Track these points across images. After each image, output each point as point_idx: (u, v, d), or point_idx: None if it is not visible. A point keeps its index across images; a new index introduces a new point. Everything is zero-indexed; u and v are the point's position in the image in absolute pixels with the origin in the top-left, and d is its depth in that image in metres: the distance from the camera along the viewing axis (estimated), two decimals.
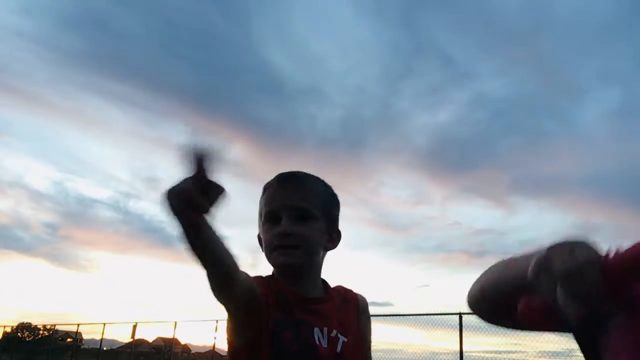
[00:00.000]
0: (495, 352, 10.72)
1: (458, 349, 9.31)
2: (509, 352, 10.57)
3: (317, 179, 1.16)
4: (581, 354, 0.70)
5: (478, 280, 0.82)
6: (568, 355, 8.75)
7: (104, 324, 18.42)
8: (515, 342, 9.63)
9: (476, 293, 0.82)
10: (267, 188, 1.12)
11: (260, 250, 1.12)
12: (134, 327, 17.11)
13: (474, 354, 9.95)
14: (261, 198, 1.13)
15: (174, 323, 15.74)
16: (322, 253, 1.11)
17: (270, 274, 1.11)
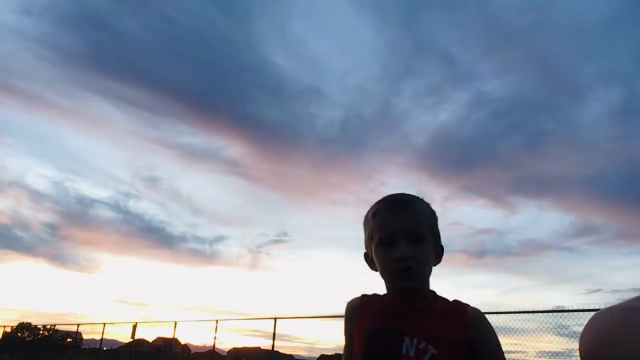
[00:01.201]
0: None
1: None
2: (509, 352, 10.56)
3: (421, 199, 1.23)
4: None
5: (603, 334, 0.67)
6: (568, 356, 8.75)
7: (104, 324, 18.46)
8: (516, 342, 9.63)
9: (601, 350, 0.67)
10: (379, 213, 1.19)
11: (370, 268, 1.23)
12: (134, 327, 17.12)
13: None
14: (370, 222, 1.21)
15: (174, 323, 15.73)
16: (431, 269, 1.18)
17: (385, 292, 1.21)
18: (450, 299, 1.18)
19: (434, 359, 1.05)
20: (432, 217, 1.22)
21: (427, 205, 1.23)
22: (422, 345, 1.06)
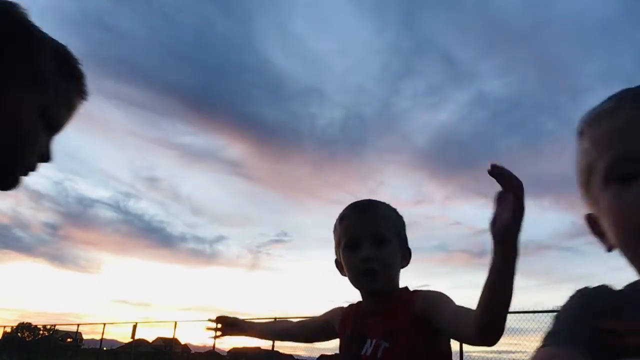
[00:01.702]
0: (496, 352, 10.71)
1: (458, 348, 9.31)
2: (509, 352, 10.55)
3: (387, 204, 1.27)
4: None
5: None
6: None
7: (104, 324, 18.45)
8: (516, 342, 9.63)
9: None
10: (344, 217, 1.24)
11: (340, 274, 1.26)
12: (134, 327, 17.11)
13: (474, 354, 9.96)
14: (337, 227, 1.25)
15: (174, 323, 15.73)
16: (398, 271, 1.21)
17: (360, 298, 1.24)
18: (412, 290, 1.19)
19: (386, 352, 1.09)
20: (398, 221, 1.25)
21: (394, 210, 1.27)
22: (377, 343, 1.11)
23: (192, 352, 21.06)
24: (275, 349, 11.89)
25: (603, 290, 0.71)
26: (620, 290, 0.72)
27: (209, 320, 1.48)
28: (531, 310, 8.45)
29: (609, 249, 0.66)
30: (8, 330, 25.26)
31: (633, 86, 0.65)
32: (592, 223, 0.69)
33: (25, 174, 0.80)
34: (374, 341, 1.12)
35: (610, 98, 0.65)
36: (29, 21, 0.76)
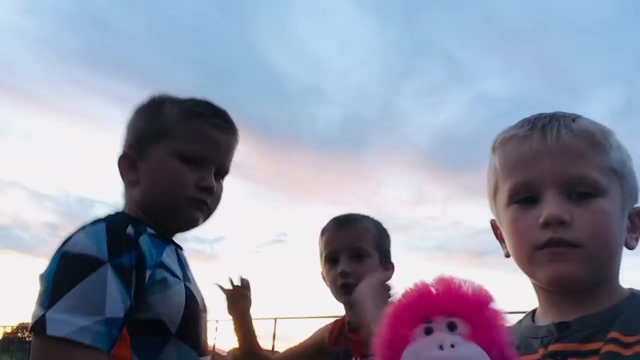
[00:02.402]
0: None
1: None
2: None
3: (368, 217, 1.28)
4: None
5: None
6: None
7: None
8: None
9: None
10: (325, 232, 1.25)
11: (326, 285, 1.27)
12: None
13: None
14: (320, 241, 1.26)
15: None
16: None
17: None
18: None
19: None
20: (379, 234, 1.25)
21: (375, 224, 1.27)
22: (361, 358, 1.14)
23: None
24: (275, 349, 11.87)
25: None
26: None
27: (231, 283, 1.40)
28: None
29: (507, 256, 0.76)
30: (8, 330, 25.25)
31: (545, 112, 0.73)
32: (495, 229, 0.80)
33: (199, 209, 0.97)
34: (358, 358, 1.14)
35: (524, 122, 0.73)
36: (164, 99, 1.01)
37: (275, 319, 11.80)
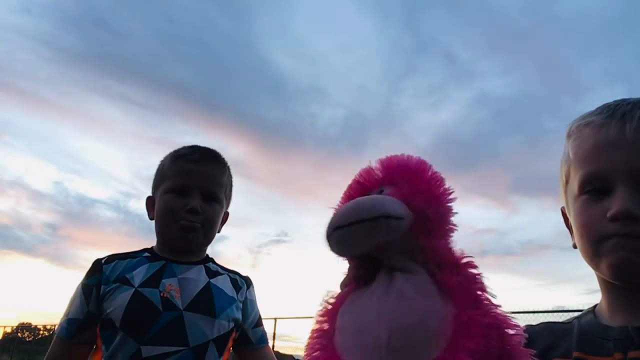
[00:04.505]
0: None
1: None
2: None
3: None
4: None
5: None
6: None
7: None
8: None
9: None
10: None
11: None
12: None
13: None
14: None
15: None
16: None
17: None
18: None
19: None
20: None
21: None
22: None
23: None
24: (275, 349, 11.87)
25: (539, 329, 0.74)
26: (564, 323, 0.74)
27: None
28: (531, 310, 8.43)
29: (574, 247, 0.72)
30: (8, 330, 25.28)
31: (630, 98, 0.68)
32: (566, 218, 0.76)
33: (187, 230, 1.20)
34: None
35: (603, 109, 0.68)
36: (173, 154, 1.29)
37: (275, 319, 11.79)
